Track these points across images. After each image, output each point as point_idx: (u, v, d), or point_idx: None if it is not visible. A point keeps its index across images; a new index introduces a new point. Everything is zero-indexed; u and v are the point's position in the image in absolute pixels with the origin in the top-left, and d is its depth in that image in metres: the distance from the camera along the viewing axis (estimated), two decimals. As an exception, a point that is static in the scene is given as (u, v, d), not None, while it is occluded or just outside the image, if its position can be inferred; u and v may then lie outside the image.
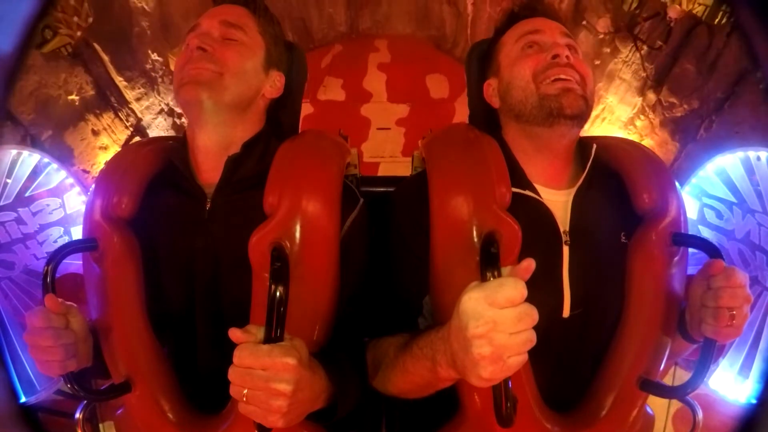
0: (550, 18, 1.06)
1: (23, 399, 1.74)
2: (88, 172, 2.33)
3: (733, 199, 1.90)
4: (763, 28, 0.49)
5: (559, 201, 0.98)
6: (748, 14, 0.51)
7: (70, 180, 2.02)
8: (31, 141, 2.10)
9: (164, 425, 0.91)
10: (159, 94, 2.52)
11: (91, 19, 2.16)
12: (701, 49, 2.18)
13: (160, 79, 2.50)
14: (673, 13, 2.10)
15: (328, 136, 1.07)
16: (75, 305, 0.88)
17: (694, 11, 2.12)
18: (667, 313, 0.93)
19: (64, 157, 2.18)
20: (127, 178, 0.98)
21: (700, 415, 0.97)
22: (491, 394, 0.69)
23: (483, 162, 0.95)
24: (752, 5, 0.50)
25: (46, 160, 1.98)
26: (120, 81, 2.41)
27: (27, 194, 1.93)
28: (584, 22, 2.31)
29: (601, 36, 2.31)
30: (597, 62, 2.43)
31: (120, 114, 2.45)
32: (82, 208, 1.44)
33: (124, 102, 2.45)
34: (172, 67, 2.40)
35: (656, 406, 0.98)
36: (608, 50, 2.39)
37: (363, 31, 2.98)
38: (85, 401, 0.97)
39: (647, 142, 2.38)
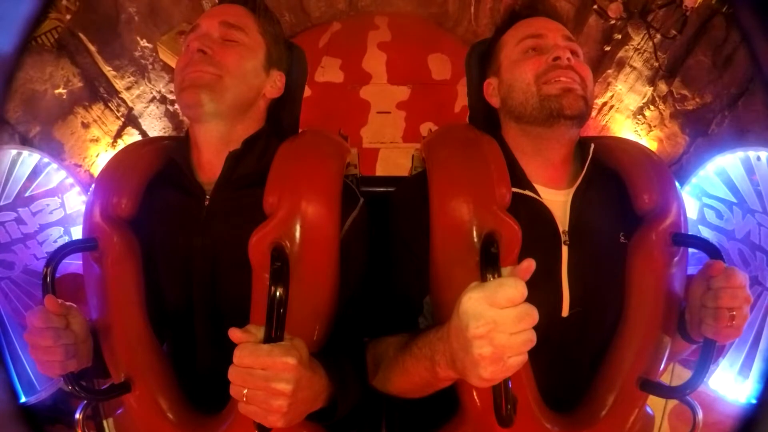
0: (552, 18, 1.06)
1: (23, 399, 1.74)
2: (80, 166, 2.30)
3: (733, 199, 1.90)
4: (763, 28, 0.49)
5: (558, 201, 0.98)
6: (748, 14, 0.51)
7: (70, 180, 2.02)
8: (19, 139, 2.08)
9: (164, 425, 0.91)
10: (150, 82, 2.47)
11: (78, 3, 2.13)
12: (717, 42, 2.12)
13: (150, 66, 2.44)
14: (689, 1, 2.03)
15: (328, 136, 1.07)
16: (75, 306, 0.88)
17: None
18: (667, 313, 0.93)
19: (55, 152, 2.15)
20: (126, 178, 0.98)
21: (700, 415, 0.97)
22: (491, 394, 0.69)
23: (483, 162, 0.95)
24: (752, 5, 0.50)
25: (45, 160, 1.97)
26: (108, 70, 2.36)
27: (27, 194, 1.93)
28: (595, 6, 2.25)
29: (612, 21, 2.26)
30: (607, 48, 2.36)
31: (110, 104, 2.40)
32: (82, 208, 1.44)
33: (113, 92, 2.40)
34: (162, 56, 2.36)
35: (653, 403, 0.98)
36: (619, 36, 2.33)
37: (362, 8, 2.89)
38: (85, 401, 0.97)
39: (656, 134, 2.34)
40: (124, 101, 2.45)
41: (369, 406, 0.99)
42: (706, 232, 1.92)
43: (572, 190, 0.99)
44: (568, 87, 0.95)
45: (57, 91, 2.19)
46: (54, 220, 1.97)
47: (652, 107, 2.35)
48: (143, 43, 2.40)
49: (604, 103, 2.45)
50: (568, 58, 0.97)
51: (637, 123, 2.39)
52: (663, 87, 2.30)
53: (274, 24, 1.07)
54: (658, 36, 2.21)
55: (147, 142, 1.21)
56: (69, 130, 2.26)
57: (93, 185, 1.02)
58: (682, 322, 0.93)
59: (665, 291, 0.93)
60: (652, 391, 0.91)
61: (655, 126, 2.36)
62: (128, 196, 0.96)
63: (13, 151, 1.93)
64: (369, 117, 2.81)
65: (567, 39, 1.02)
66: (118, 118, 2.44)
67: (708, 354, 0.84)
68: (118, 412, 1.01)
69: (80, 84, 2.28)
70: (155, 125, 2.58)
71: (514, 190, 0.93)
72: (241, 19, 1.01)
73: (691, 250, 0.97)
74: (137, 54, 2.41)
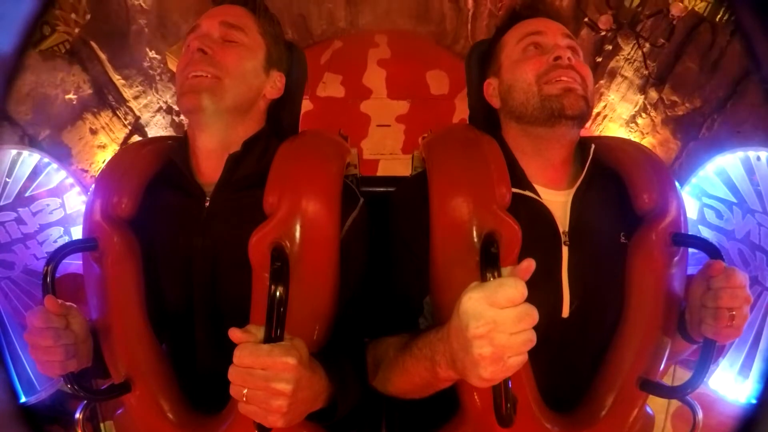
0: (552, 18, 1.06)
1: (23, 399, 1.74)
2: (86, 171, 2.33)
3: (733, 199, 1.90)
4: (763, 28, 0.49)
5: (558, 201, 0.98)
6: (749, 14, 0.51)
7: (70, 180, 2.02)
8: (29, 141, 2.11)
9: (164, 425, 0.91)
10: (157, 92, 2.52)
11: (88, 16, 2.16)
12: (704, 48, 2.18)
13: (158, 77, 2.49)
14: (675, 10, 2.10)
15: (328, 136, 1.07)
16: (75, 306, 0.88)
17: (696, 8, 2.11)
18: (667, 313, 0.93)
19: (62, 156, 2.18)
20: (127, 178, 0.98)
21: (700, 415, 0.97)
22: (491, 394, 0.69)
23: (483, 162, 0.95)
24: (752, 5, 0.50)
25: (46, 160, 1.98)
26: (118, 79, 2.41)
27: (27, 194, 1.93)
28: (586, 19, 2.30)
29: (603, 33, 2.31)
30: (598, 59, 2.42)
31: (118, 112, 2.44)
32: (82, 208, 1.44)
33: (122, 100, 2.45)
34: (170, 65, 2.40)
35: (655, 404, 0.98)
36: (610, 47, 2.38)
37: (363, 26, 2.95)
38: (85, 401, 0.97)
39: (648, 141, 2.37)
40: (131, 110, 2.49)
41: (369, 406, 0.99)
42: (706, 232, 1.92)
43: (572, 190, 0.99)
44: (569, 87, 0.95)
45: (67, 97, 2.23)
46: (54, 220, 1.97)
47: (644, 115, 2.39)
48: (152, 54, 2.44)
49: (598, 113, 2.50)
50: (569, 58, 0.97)
51: (630, 131, 2.43)
52: (654, 94, 2.34)
53: (274, 25, 1.07)
54: (647, 45, 2.27)
55: (147, 142, 1.21)
56: (77, 136, 2.30)
57: (93, 185, 1.02)
58: (682, 322, 0.93)
59: (665, 291, 0.93)
60: (652, 391, 0.91)
61: (647, 133, 2.40)
62: (128, 196, 0.96)
63: (13, 151, 1.93)
64: (369, 130, 2.90)
65: (567, 38, 1.02)
66: (125, 126, 2.48)
67: (708, 354, 0.84)
68: (118, 412, 1.01)
69: (90, 91, 2.32)
70: (161, 135, 2.61)
71: (514, 190, 0.93)
72: (241, 19, 1.01)
73: (691, 250, 0.97)
74: (146, 64, 2.46)
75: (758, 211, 1.85)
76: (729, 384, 1.84)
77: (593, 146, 1.03)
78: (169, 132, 2.60)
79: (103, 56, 2.33)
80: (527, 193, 0.96)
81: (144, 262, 0.96)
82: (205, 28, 1.00)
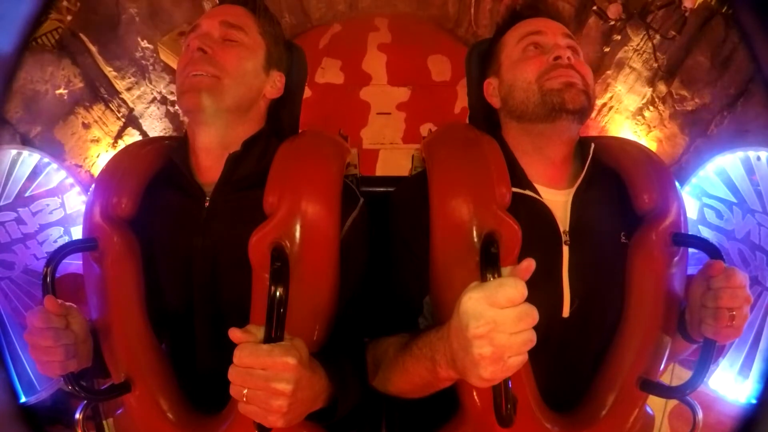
0: (552, 18, 1.06)
1: (23, 399, 1.74)
2: (80, 167, 2.31)
3: (733, 199, 1.90)
4: (763, 28, 0.49)
5: (558, 201, 0.98)
6: (748, 14, 0.51)
7: (70, 180, 2.02)
8: (20, 139, 2.09)
9: (164, 425, 0.91)
10: (150, 83, 2.48)
11: (79, 3, 2.14)
12: (716, 42, 2.15)
13: (151, 67, 2.45)
14: (688, 2, 2.05)
15: (328, 136, 1.07)
16: (75, 306, 0.88)
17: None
18: (667, 313, 0.93)
19: (56, 152, 2.16)
20: (126, 178, 0.98)
21: (700, 414, 0.97)
22: (491, 394, 0.69)
23: (483, 162, 0.95)
24: (752, 5, 0.50)
25: (46, 160, 1.98)
26: (109, 71, 2.37)
27: (27, 194, 1.93)
28: (594, 8, 2.25)
29: (612, 23, 2.27)
30: (606, 49, 2.37)
31: (111, 105, 2.41)
32: (82, 208, 1.44)
33: (114, 92, 2.41)
34: (162, 57, 2.37)
35: (653, 403, 0.98)
36: (618, 37, 2.34)
37: (362, 9, 2.89)
38: (85, 401, 0.97)
39: (655, 134, 2.35)
40: (124, 102, 2.46)
41: (369, 406, 0.99)
42: (706, 232, 1.92)
43: (573, 189, 0.99)
44: (570, 82, 0.95)
45: (58, 92, 2.20)
46: (54, 220, 1.97)
47: (651, 108, 2.36)
48: (144, 44, 2.41)
49: (604, 104, 2.46)
50: (569, 57, 0.97)
51: (636, 124, 2.40)
52: (662, 88, 2.30)
53: (274, 24, 1.07)
54: (658, 37, 2.22)
55: (147, 142, 1.21)
56: (70, 131, 2.27)
57: (93, 185, 1.03)
58: (682, 322, 0.93)
59: (665, 291, 0.93)
60: (652, 391, 0.91)
61: (654, 127, 2.36)
62: (128, 196, 0.96)
63: (13, 151, 1.93)
64: (369, 118, 2.82)
65: (567, 37, 1.03)
66: (118, 118, 2.45)
67: (708, 354, 0.84)
68: (118, 412, 1.01)
69: (81, 84, 2.29)
70: (156, 126, 2.58)
71: (515, 190, 0.93)
72: (241, 19, 1.02)
73: (691, 250, 0.97)
74: (138, 55, 2.42)
75: (758, 211, 1.85)
76: (729, 384, 1.84)
77: (593, 145, 1.03)
78: (164, 122, 2.57)
79: (93, 48, 2.29)
80: (527, 192, 0.96)
81: (144, 262, 0.96)
82: (205, 28, 1.00)
